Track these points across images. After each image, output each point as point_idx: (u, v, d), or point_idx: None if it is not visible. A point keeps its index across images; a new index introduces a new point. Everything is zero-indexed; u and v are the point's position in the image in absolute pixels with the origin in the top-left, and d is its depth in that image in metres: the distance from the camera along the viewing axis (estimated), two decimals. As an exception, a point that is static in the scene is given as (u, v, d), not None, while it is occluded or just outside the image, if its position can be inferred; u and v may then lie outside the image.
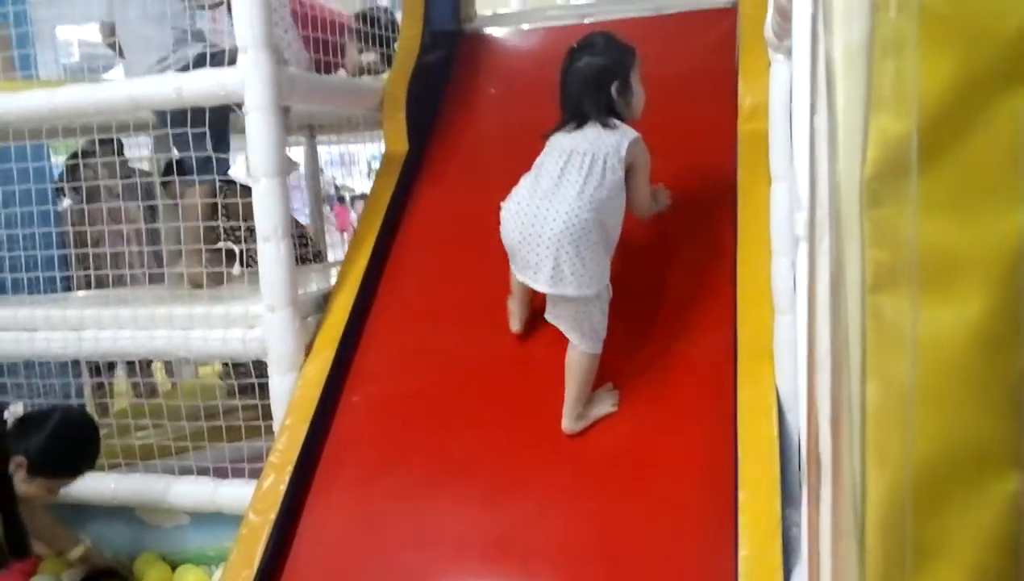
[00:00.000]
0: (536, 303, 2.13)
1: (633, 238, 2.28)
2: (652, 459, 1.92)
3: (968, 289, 0.58)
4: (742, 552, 1.65)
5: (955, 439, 0.58)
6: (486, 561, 1.87)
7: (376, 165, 3.09)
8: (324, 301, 2.44)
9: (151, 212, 3.22)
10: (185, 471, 2.46)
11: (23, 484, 2.11)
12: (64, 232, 3.02)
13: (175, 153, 2.54)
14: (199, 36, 2.53)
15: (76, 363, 2.77)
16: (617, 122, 1.92)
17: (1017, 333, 0.54)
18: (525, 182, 1.94)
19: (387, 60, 3.14)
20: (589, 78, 1.93)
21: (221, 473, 2.41)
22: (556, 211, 1.82)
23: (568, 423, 1.96)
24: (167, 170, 2.88)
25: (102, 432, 2.30)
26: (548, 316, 1.95)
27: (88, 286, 3.06)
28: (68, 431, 2.18)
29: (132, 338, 2.37)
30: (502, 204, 1.97)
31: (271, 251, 2.22)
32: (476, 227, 2.38)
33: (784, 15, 1.30)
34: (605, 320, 1.93)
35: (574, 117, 1.94)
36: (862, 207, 0.61)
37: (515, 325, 2.17)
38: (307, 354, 2.29)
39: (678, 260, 2.28)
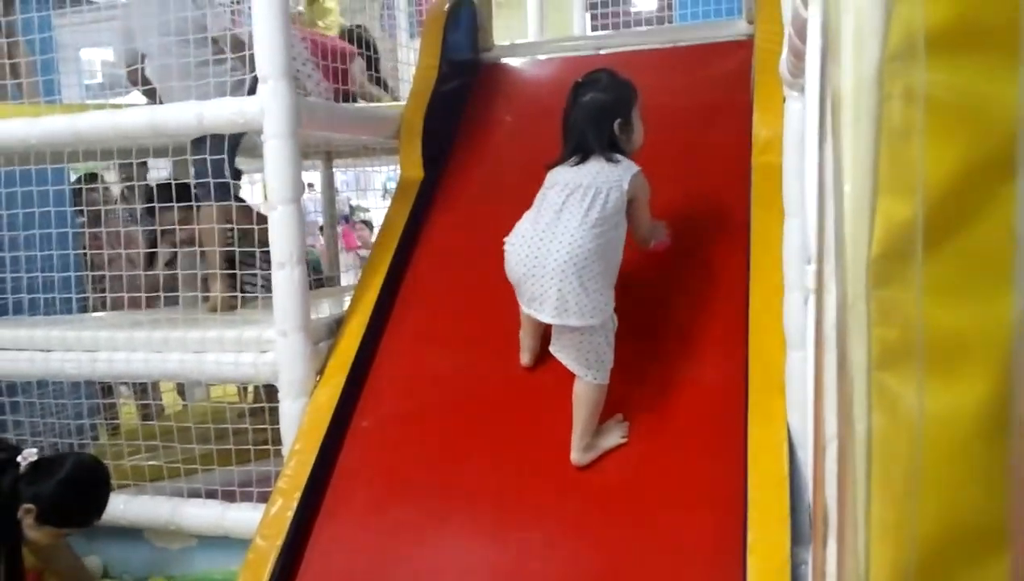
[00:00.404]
0: (548, 336, 2.13)
1: (645, 269, 2.29)
2: (661, 493, 1.91)
3: (972, 372, 0.58)
4: (751, 590, 1.64)
5: (957, 518, 0.58)
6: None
7: (392, 186, 3.13)
8: (337, 326, 2.45)
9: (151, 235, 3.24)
10: (194, 493, 2.47)
11: (31, 530, 2.10)
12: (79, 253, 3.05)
13: (191, 173, 2.56)
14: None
15: (89, 383, 2.80)
16: (619, 157, 1.95)
17: (1009, 417, 0.54)
18: (528, 217, 1.98)
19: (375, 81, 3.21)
20: (593, 113, 1.97)
21: (230, 496, 2.42)
22: (559, 242, 1.84)
23: (576, 455, 1.95)
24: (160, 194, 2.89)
25: (112, 451, 2.31)
26: (553, 349, 1.95)
27: (104, 307, 3.09)
28: (79, 481, 2.15)
29: (146, 360, 2.38)
30: (505, 240, 2.00)
31: (285, 277, 2.24)
32: (489, 254, 2.38)
33: (798, 55, 1.31)
34: (611, 351, 1.93)
35: (577, 151, 1.97)
36: (868, 287, 0.61)
37: (526, 358, 2.18)
38: (318, 379, 2.30)
39: (690, 292, 2.28)
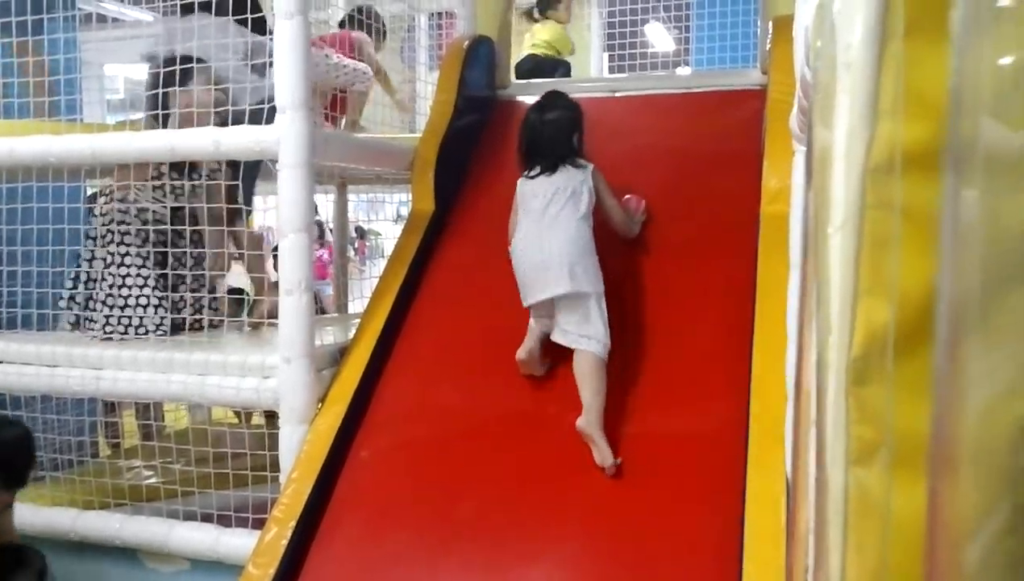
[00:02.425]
0: (547, 346, 2.22)
1: (649, 310, 2.30)
2: (658, 541, 1.91)
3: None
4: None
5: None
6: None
7: (405, 212, 3.16)
8: (340, 354, 2.46)
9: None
10: (189, 515, 2.46)
11: None
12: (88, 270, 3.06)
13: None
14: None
15: (92, 400, 2.80)
16: (581, 161, 2.30)
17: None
18: (524, 221, 2.28)
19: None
20: (563, 128, 2.32)
21: (225, 520, 2.41)
22: (561, 230, 2.20)
23: (582, 422, 2.06)
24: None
25: (111, 469, 2.29)
26: (555, 336, 2.19)
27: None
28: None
29: (149, 381, 2.39)
30: (512, 244, 2.30)
31: (293, 304, 2.25)
32: (496, 289, 2.42)
33: (805, 112, 1.33)
34: (607, 326, 2.15)
35: (550, 161, 2.28)
36: (848, 384, 0.63)
37: (522, 354, 2.25)
38: (320, 407, 2.31)
39: (694, 335, 2.29)
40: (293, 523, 2.08)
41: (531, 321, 2.28)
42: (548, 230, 2.20)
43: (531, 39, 4.74)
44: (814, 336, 0.81)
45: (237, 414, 3.30)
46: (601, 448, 2.02)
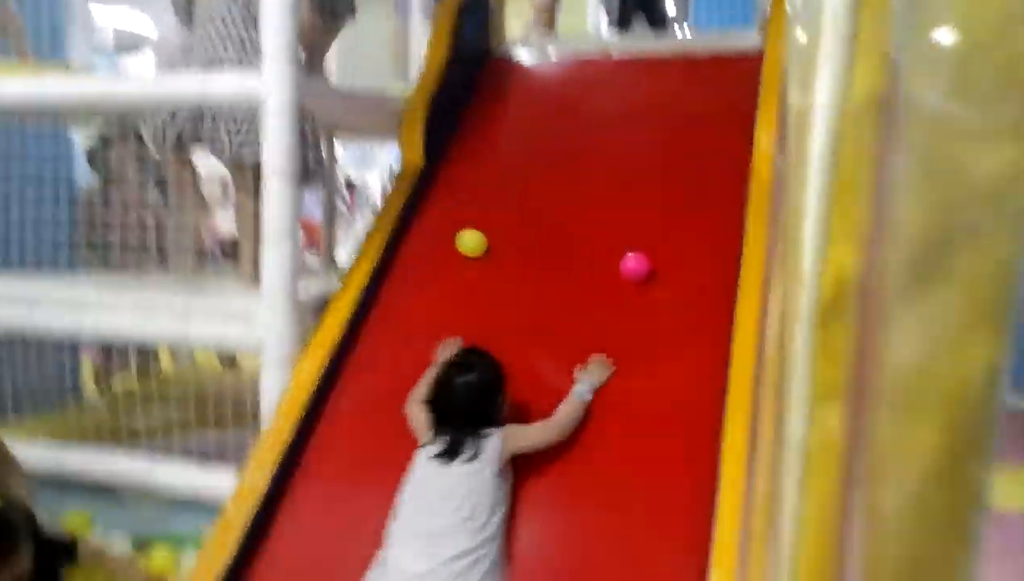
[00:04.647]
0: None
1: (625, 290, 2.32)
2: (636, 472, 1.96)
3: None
4: None
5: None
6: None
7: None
8: (324, 304, 2.48)
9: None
10: (170, 455, 2.50)
11: None
12: (86, 211, 3.06)
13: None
14: None
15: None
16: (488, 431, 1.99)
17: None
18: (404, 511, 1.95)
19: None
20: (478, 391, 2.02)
21: (206, 460, 2.45)
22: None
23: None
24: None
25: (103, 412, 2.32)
26: None
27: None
28: None
29: (132, 323, 2.41)
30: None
31: (277, 251, 2.27)
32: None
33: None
34: None
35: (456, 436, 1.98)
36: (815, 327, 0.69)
37: None
38: (302, 354, 2.33)
39: (679, 289, 2.29)
40: (273, 463, 2.11)
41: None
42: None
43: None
44: (780, 289, 0.84)
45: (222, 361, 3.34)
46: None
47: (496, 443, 1.94)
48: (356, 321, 2.44)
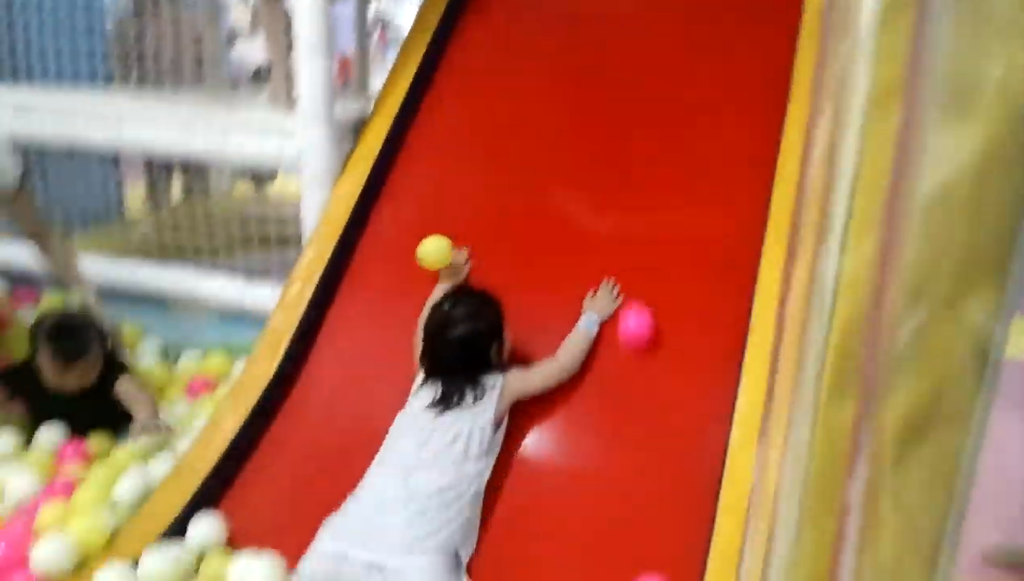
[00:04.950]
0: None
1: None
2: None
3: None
4: None
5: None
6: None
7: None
8: (360, 125, 2.46)
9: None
10: (218, 272, 2.57)
11: None
12: (117, 25, 3.00)
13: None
14: None
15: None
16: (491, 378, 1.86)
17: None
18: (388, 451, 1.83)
19: None
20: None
21: (251, 277, 2.52)
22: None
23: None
24: None
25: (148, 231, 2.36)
26: None
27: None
28: None
29: (171, 137, 2.42)
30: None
31: (311, 66, 2.23)
32: (520, 69, 2.38)
33: None
34: None
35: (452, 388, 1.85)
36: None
37: None
38: (341, 171, 2.34)
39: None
40: (317, 277, 2.17)
41: None
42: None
43: None
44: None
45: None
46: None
47: (494, 393, 1.81)
48: (394, 140, 2.42)
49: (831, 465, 0.76)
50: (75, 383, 2.18)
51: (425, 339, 1.88)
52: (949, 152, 0.63)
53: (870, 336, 0.71)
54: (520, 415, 1.88)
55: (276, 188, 3.46)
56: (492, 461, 1.79)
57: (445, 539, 1.66)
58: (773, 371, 1.65)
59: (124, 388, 2.20)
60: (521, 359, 1.95)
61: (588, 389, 1.92)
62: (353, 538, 1.65)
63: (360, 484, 1.76)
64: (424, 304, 2.03)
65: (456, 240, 2.14)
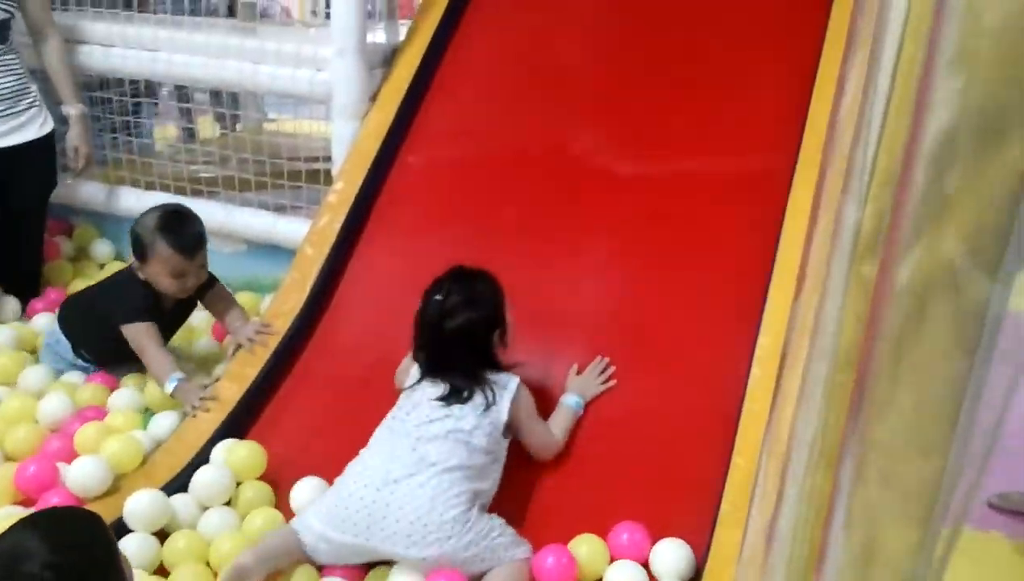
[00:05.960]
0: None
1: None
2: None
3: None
4: None
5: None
6: (527, 322, 1.83)
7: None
8: (392, 55, 2.42)
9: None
10: (247, 205, 2.57)
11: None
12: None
13: None
14: None
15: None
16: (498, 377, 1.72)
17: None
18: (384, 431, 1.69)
19: None
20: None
21: (280, 211, 2.51)
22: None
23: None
24: None
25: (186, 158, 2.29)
26: None
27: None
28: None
29: (204, 65, 2.39)
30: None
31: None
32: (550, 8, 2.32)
33: None
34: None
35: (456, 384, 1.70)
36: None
37: None
38: (371, 104, 2.31)
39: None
40: (347, 209, 2.16)
41: None
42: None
43: None
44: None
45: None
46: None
47: (506, 395, 1.65)
48: (425, 74, 2.38)
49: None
50: (193, 282, 2.01)
51: (419, 332, 1.69)
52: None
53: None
54: (542, 352, 1.87)
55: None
56: (500, 470, 1.64)
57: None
58: (794, 310, 1.63)
59: (222, 296, 2.11)
60: (542, 308, 1.92)
61: (610, 326, 1.91)
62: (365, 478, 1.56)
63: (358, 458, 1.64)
64: (452, 240, 2.01)
65: (481, 177, 2.13)
